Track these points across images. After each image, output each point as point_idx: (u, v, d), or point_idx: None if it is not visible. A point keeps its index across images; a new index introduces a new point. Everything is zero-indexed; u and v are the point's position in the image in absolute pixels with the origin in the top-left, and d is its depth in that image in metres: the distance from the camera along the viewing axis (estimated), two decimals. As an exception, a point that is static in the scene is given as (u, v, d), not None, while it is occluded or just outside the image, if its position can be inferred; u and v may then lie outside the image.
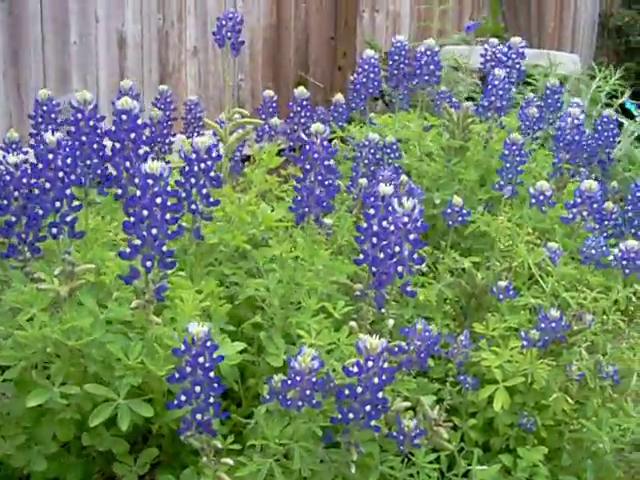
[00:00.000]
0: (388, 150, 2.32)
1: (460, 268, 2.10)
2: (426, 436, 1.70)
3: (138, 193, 1.49)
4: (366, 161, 2.29)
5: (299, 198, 1.84)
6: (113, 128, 1.78)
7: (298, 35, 4.56)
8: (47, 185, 1.61)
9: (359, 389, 1.49)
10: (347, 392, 1.51)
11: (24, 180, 1.65)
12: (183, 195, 1.77)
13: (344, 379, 1.56)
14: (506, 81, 2.53)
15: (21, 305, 1.57)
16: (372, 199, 1.69)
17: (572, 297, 1.92)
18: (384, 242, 1.62)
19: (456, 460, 1.78)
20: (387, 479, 1.67)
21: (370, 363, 1.49)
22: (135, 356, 1.54)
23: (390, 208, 1.63)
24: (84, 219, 1.80)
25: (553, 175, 2.52)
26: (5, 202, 1.66)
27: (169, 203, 1.53)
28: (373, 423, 1.53)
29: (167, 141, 2.76)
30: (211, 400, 1.45)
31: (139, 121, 1.78)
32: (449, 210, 2.18)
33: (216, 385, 1.45)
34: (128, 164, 1.77)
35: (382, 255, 1.62)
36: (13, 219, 1.65)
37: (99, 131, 1.82)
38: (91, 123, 1.81)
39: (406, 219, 1.62)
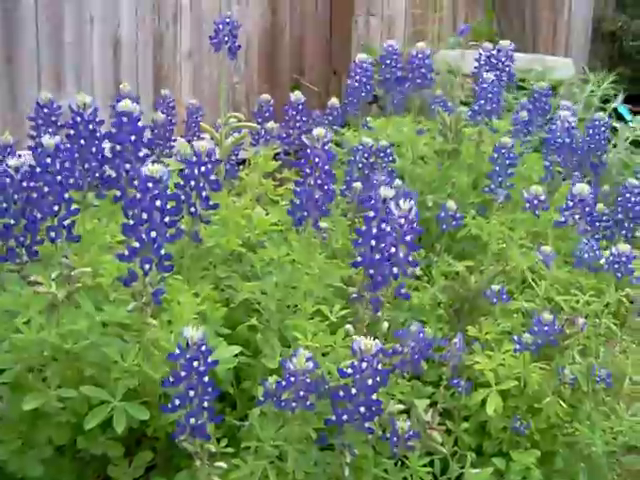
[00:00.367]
0: (382, 154, 2.33)
1: (454, 272, 2.11)
2: (419, 439, 1.70)
3: (138, 195, 1.49)
4: (360, 165, 2.30)
5: (297, 202, 1.84)
6: (113, 130, 1.79)
7: (293, 39, 4.57)
8: (46, 189, 1.62)
9: (353, 390, 1.50)
10: (341, 393, 1.52)
11: (23, 184, 1.65)
12: (182, 198, 1.77)
13: (339, 381, 1.57)
14: (495, 84, 2.53)
15: (18, 308, 1.57)
16: (372, 202, 1.70)
17: (565, 301, 1.93)
18: (382, 244, 1.63)
19: (449, 464, 1.78)
20: (380, 482, 1.68)
21: (364, 364, 1.50)
22: (132, 359, 1.54)
23: (388, 210, 1.64)
24: (81, 222, 1.80)
25: (545, 179, 2.53)
26: (4, 205, 1.66)
27: (168, 206, 1.53)
28: (367, 425, 1.53)
29: (168, 145, 2.76)
30: (205, 404, 1.45)
31: (139, 123, 1.79)
32: (443, 214, 2.19)
33: (210, 389, 1.45)
34: (128, 166, 1.78)
35: (378, 257, 1.63)
36: (11, 222, 1.65)
37: (98, 134, 1.82)
38: (90, 127, 1.81)
39: (402, 221, 1.62)
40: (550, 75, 4.25)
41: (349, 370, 1.51)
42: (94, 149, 1.82)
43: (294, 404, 1.53)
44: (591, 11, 6.99)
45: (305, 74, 4.64)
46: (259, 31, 4.37)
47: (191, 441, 1.49)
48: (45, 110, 2.15)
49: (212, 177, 1.80)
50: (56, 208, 1.63)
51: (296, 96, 2.75)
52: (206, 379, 1.44)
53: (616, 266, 2.01)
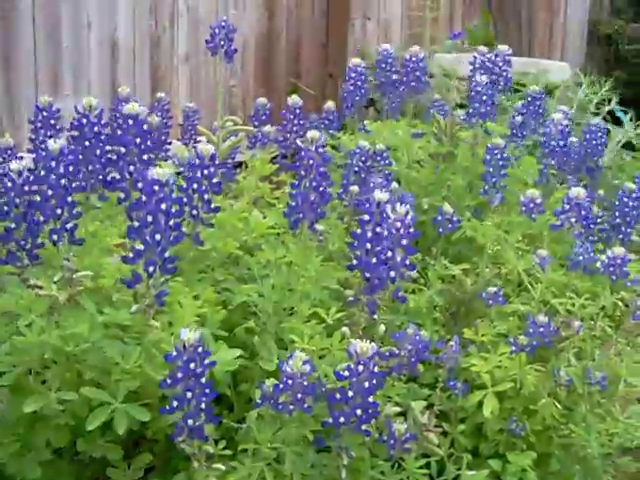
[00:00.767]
0: (378, 157, 2.34)
1: (450, 275, 2.11)
2: (416, 441, 1.71)
3: (143, 198, 1.51)
4: (356, 168, 2.31)
5: (293, 204, 1.85)
6: (118, 132, 1.80)
7: (290, 42, 4.58)
8: (49, 192, 1.63)
9: (350, 393, 1.51)
10: (338, 396, 1.53)
11: (25, 187, 1.66)
12: (185, 200, 1.78)
13: (335, 383, 1.58)
14: (489, 87, 2.55)
15: (19, 311, 1.58)
16: (367, 205, 1.71)
17: (560, 303, 1.94)
18: (377, 248, 1.64)
19: (446, 465, 1.79)
20: (377, 484, 1.68)
21: (361, 367, 1.51)
22: (133, 360, 1.55)
23: (384, 214, 1.65)
24: (83, 225, 1.81)
25: (539, 181, 2.54)
26: (5, 208, 1.67)
27: (172, 209, 1.54)
28: (364, 427, 1.54)
29: (164, 147, 2.76)
30: (203, 406, 1.46)
31: (145, 126, 1.80)
32: (439, 217, 2.20)
33: (208, 391, 1.47)
34: (132, 169, 1.78)
35: (375, 260, 1.64)
36: (13, 225, 1.66)
37: (102, 137, 1.83)
38: (95, 129, 1.82)
39: (399, 224, 1.63)
40: (546, 78, 4.27)
41: (345, 373, 1.52)
42: (98, 151, 1.83)
43: (291, 407, 1.54)
44: (587, 14, 7.01)
45: (302, 77, 4.65)
46: (256, 35, 4.38)
47: (189, 442, 1.50)
48: (44, 113, 2.15)
49: (214, 180, 1.81)
50: (59, 211, 1.63)
51: (293, 100, 2.77)
52: (204, 380, 1.45)
53: (611, 269, 2.02)
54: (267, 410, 1.59)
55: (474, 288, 2.03)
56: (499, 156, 2.31)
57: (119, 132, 1.80)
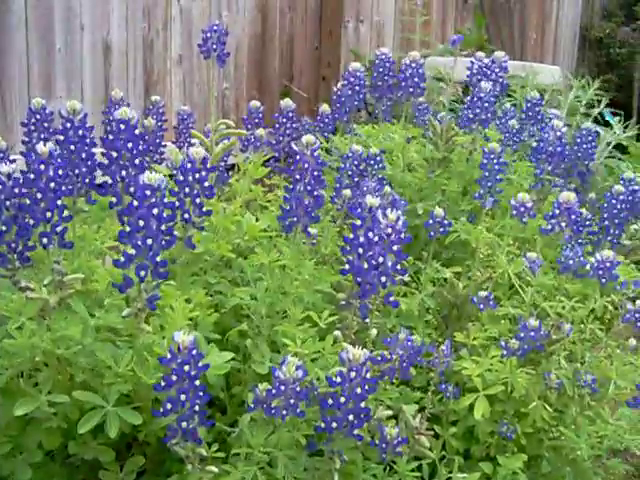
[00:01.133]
0: (372, 161, 2.34)
1: (442, 278, 2.12)
2: (408, 444, 1.72)
3: (135, 203, 1.51)
4: (350, 172, 2.31)
5: (288, 208, 1.86)
6: (110, 136, 1.80)
7: (283, 45, 4.59)
8: (38, 195, 1.62)
9: (342, 399, 1.52)
10: (330, 401, 1.53)
11: (15, 190, 1.65)
12: (177, 204, 1.78)
13: (328, 388, 1.58)
14: (491, 94, 2.57)
15: (10, 314, 1.57)
16: (358, 210, 1.71)
17: (551, 307, 1.95)
18: (369, 253, 1.64)
19: (437, 468, 1.80)
20: (370, 487, 1.69)
21: (353, 373, 1.51)
22: (125, 364, 1.55)
23: (375, 219, 1.65)
24: (72, 228, 1.81)
25: (535, 186, 2.55)
26: (-4, 211, 1.66)
27: (164, 214, 1.54)
28: (356, 432, 1.55)
29: (159, 151, 2.77)
30: (196, 408, 1.47)
31: (136, 131, 1.80)
32: (430, 221, 2.20)
33: (201, 393, 1.47)
34: (124, 173, 1.79)
35: (366, 266, 1.64)
36: (3, 228, 1.66)
37: (88, 140, 1.83)
38: (80, 132, 1.82)
39: (390, 230, 1.64)
40: (536, 81, 4.28)
41: (338, 379, 1.52)
42: (84, 155, 1.83)
43: (284, 412, 1.54)
44: (579, 18, 7.05)
45: (295, 80, 4.65)
46: (249, 38, 4.38)
47: (183, 445, 1.50)
48: (37, 116, 2.15)
49: (206, 184, 1.82)
50: (49, 214, 1.63)
51: (286, 103, 2.77)
52: (197, 383, 1.46)
53: (600, 272, 2.04)
54: (260, 414, 1.59)
55: (466, 291, 2.03)
56: (495, 161, 2.32)
57: (110, 136, 1.80)
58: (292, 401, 1.53)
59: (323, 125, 2.80)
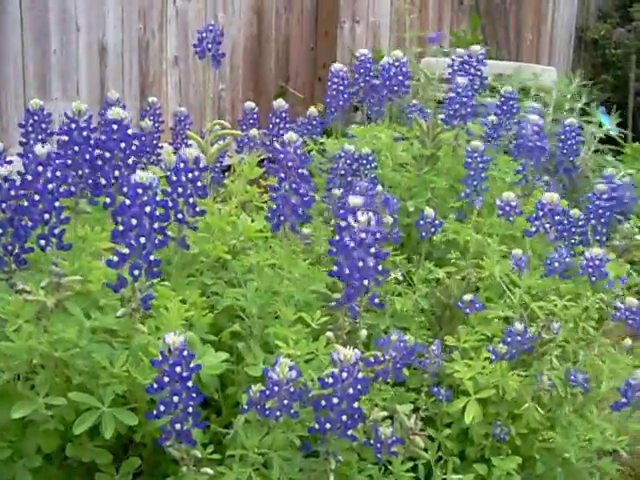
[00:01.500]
0: (364, 161, 2.35)
1: (434, 278, 2.11)
2: (403, 445, 1.72)
3: (127, 202, 1.51)
4: (342, 172, 2.32)
5: (274, 207, 1.86)
6: (103, 137, 1.80)
7: (279, 46, 4.59)
8: (36, 197, 1.63)
9: (335, 399, 1.52)
10: (323, 402, 1.53)
11: (12, 192, 1.65)
12: (170, 204, 1.79)
13: (321, 389, 1.58)
14: (469, 89, 2.55)
15: (6, 316, 1.57)
16: (341, 211, 1.70)
17: (541, 307, 1.95)
18: (350, 255, 1.63)
19: (432, 469, 1.80)
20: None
21: (345, 374, 1.52)
22: (121, 364, 1.56)
23: (355, 221, 1.64)
24: (73, 229, 1.81)
25: (519, 182, 2.53)
26: (-7, 213, 1.66)
27: (157, 213, 1.55)
28: (350, 432, 1.55)
29: (156, 152, 2.77)
30: (190, 409, 1.47)
31: (129, 131, 1.81)
32: (421, 222, 2.20)
33: (195, 394, 1.47)
34: (117, 173, 1.79)
35: (347, 270, 1.63)
36: (0, 230, 1.66)
37: (92, 142, 1.84)
38: (84, 133, 1.82)
39: (363, 235, 1.62)
40: (533, 82, 4.30)
41: (330, 380, 1.52)
42: (87, 156, 1.83)
43: (278, 413, 1.55)
44: (574, 19, 7.06)
45: (291, 81, 4.66)
46: (244, 39, 4.39)
47: (177, 447, 1.50)
48: (35, 117, 2.15)
49: (199, 184, 1.82)
50: (47, 216, 1.63)
51: (279, 103, 2.78)
52: (190, 384, 1.46)
53: (590, 270, 2.05)
54: (254, 415, 1.59)
55: (459, 292, 2.03)
56: (479, 159, 2.31)
57: (104, 137, 1.80)
58: (286, 402, 1.54)
59: (312, 127, 2.79)
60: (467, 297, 1.98)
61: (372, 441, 1.65)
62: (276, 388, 1.53)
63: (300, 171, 1.82)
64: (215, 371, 1.65)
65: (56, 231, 1.66)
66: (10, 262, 1.69)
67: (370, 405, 1.69)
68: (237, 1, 4.29)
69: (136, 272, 1.52)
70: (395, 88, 2.63)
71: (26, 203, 1.64)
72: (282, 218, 1.85)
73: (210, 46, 2.32)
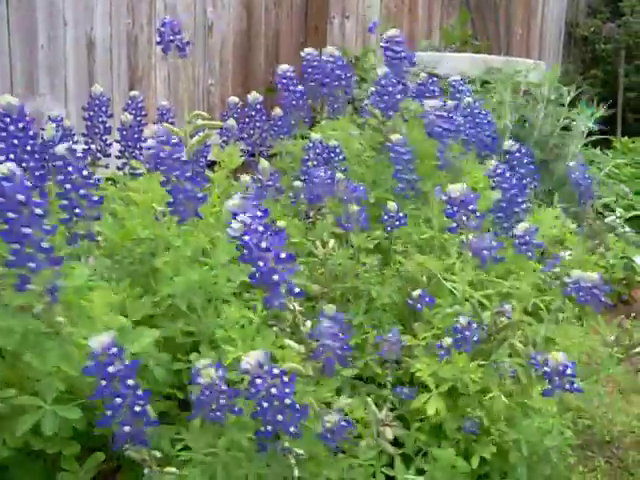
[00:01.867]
0: (332, 154, 2.34)
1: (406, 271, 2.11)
2: (377, 435, 1.72)
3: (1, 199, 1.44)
4: (315, 162, 2.32)
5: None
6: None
7: (268, 40, 4.60)
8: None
9: (265, 404, 1.46)
10: (258, 408, 1.48)
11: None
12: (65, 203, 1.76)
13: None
14: (390, 77, 2.45)
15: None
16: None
17: (487, 296, 1.93)
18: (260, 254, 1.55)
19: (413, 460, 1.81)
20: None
21: (259, 380, 1.45)
22: (53, 361, 1.53)
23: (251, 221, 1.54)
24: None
25: (442, 167, 2.39)
26: None
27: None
28: (292, 430, 1.49)
29: (138, 146, 2.77)
30: (137, 409, 1.42)
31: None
32: (385, 217, 2.18)
33: (139, 393, 1.42)
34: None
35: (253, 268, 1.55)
36: None
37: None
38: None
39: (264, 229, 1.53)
40: (521, 77, 4.31)
41: (252, 390, 1.46)
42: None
43: (218, 414, 1.49)
44: (564, 14, 7.08)
45: (280, 76, 4.66)
46: (234, 33, 4.39)
47: (136, 449, 1.47)
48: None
49: (85, 172, 1.78)
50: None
51: (253, 96, 2.78)
52: (130, 383, 1.41)
53: (524, 247, 2.04)
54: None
55: (425, 285, 2.02)
56: (402, 150, 2.28)
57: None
58: (222, 401, 1.49)
59: (277, 128, 2.79)
60: (416, 293, 1.95)
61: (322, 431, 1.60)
62: (208, 392, 1.48)
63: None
64: (148, 349, 1.61)
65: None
66: None
67: (321, 399, 1.64)
68: (226, -5, 4.31)
69: (32, 265, 1.45)
70: (335, 83, 2.62)
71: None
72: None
73: (171, 38, 2.32)
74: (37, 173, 1.87)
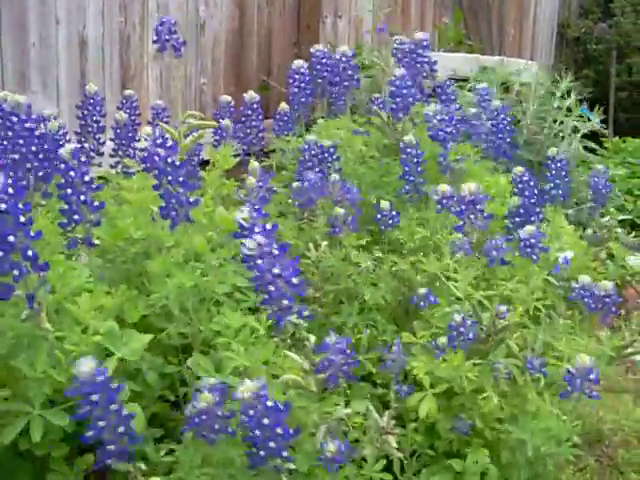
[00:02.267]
0: (326, 154, 2.34)
1: (401, 270, 2.11)
2: (377, 443, 1.71)
3: None
4: (309, 164, 2.32)
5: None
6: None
7: (261, 39, 4.58)
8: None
9: (257, 432, 1.44)
10: (250, 434, 1.46)
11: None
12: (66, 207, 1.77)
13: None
14: (406, 79, 2.49)
15: None
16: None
17: (487, 297, 1.93)
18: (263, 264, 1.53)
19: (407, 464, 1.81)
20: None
21: (251, 412, 1.43)
22: (40, 367, 1.52)
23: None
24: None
25: (444, 171, 2.42)
26: None
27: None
28: (285, 454, 1.47)
29: (132, 145, 2.76)
30: (121, 430, 1.41)
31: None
32: (379, 215, 2.19)
33: (124, 414, 1.41)
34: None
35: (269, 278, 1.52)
36: None
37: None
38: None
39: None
40: (515, 77, 4.31)
41: (244, 417, 1.44)
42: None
43: (213, 436, 1.48)
44: (556, 15, 7.10)
45: (272, 75, 4.65)
46: (226, 32, 4.38)
47: (120, 462, 1.45)
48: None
49: (87, 178, 1.79)
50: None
51: (250, 95, 2.78)
52: (114, 407, 1.40)
53: (529, 250, 2.03)
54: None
55: (419, 285, 2.02)
56: (414, 152, 2.29)
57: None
58: (217, 426, 1.47)
59: (283, 123, 2.79)
60: (421, 291, 1.95)
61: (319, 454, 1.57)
62: (204, 417, 1.47)
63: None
64: (135, 357, 1.59)
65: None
66: None
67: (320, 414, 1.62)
68: (219, -6, 4.30)
69: (16, 272, 1.43)
70: (345, 83, 2.62)
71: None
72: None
73: (168, 38, 2.32)
74: (40, 174, 1.86)
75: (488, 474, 1.83)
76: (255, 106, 2.78)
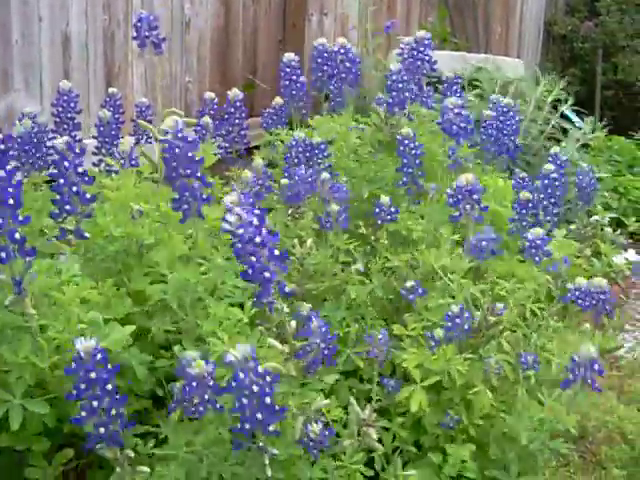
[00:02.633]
0: (316, 150, 2.33)
1: (391, 267, 2.10)
2: (358, 436, 1.70)
3: None
4: (296, 160, 2.31)
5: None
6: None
7: (246, 38, 4.56)
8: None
9: (244, 400, 1.44)
10: (237, 404, 1.46)
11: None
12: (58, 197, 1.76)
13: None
14: (402, 74, 2.49)
15: None
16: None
17: (482, 291, 1.92)
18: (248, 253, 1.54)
19: (389, 459, 1.79)
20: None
21: (241, 374, 1.43)
22: (24, 353, 1.51)
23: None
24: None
25: (452, 166, 2.42)
26: None
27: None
28: (271, 428, 1.47)
29: (115, 143, 2.74)
30: (113, 412, 1.42)
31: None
32: (377, 210, 2.18)
33: (117, 397, 1.43)
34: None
35: (249, 270, 1.53)
36: None
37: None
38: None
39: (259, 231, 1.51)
40: (500, 74, 4.31)
41: (233, 384, 1.44)
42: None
43: (201, 408, 1.49)
44: (543, 13, 7.12)
45: (258, 73, 4.63)
46: (212, 30, 4.35)
47: (108, 448, 1.46)
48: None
49: (80, 169, 1.79)
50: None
51: (233, 93, 2.76)
52: (109, 387, 1.41)
53: (533, 251, 2.04)
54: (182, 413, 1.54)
55: (415, 276, 2.01)
56: (412, 145, 2.29)
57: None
58: (207, 397, 1.48)
59: (277, 117, 2.78)
60: (409, 284, 1.95)
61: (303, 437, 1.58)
62: (195, 384, 1.48)
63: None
64: (118, 346, 1.60)
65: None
66: None
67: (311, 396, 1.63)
68: (204, -8, 4.27)
69: (3, 254, 1.43)
70: (343, 75, 2.61)
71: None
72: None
73: (147, 34, 2.30)
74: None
75: (466, 467, 1.82)
76: (238, 104, 2.76)
